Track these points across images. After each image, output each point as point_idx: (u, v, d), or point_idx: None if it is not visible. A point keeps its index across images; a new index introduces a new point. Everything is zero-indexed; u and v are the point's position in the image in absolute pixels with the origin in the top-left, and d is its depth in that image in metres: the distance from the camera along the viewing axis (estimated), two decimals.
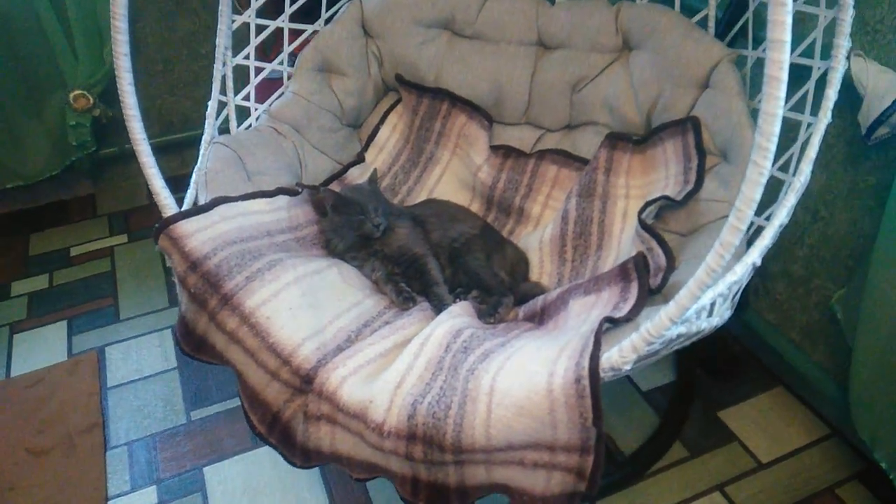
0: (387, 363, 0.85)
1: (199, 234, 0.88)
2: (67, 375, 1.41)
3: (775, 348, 1.33)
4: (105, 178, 1.97)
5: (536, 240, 1.16)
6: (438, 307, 0.98)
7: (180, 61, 1.86)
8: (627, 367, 0.70)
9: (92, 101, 1.68)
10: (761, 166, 0.58)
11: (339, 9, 1.29)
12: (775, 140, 0.57)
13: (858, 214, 1.11)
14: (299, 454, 0.86)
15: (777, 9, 0.53)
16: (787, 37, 0.54)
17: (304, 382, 0.84)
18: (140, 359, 1.45)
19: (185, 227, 0.88)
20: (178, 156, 1.95)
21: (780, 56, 0.55)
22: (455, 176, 1.29)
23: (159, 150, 1.94)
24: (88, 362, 1.44)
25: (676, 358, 1.39)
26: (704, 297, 0.73)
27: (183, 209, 0.91)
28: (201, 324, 0.90)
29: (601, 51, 1.20)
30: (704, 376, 1.36)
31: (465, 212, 1.21)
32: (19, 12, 1.54)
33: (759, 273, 1.31)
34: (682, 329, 0.72)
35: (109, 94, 1.70)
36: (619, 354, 0.69)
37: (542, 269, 1.14)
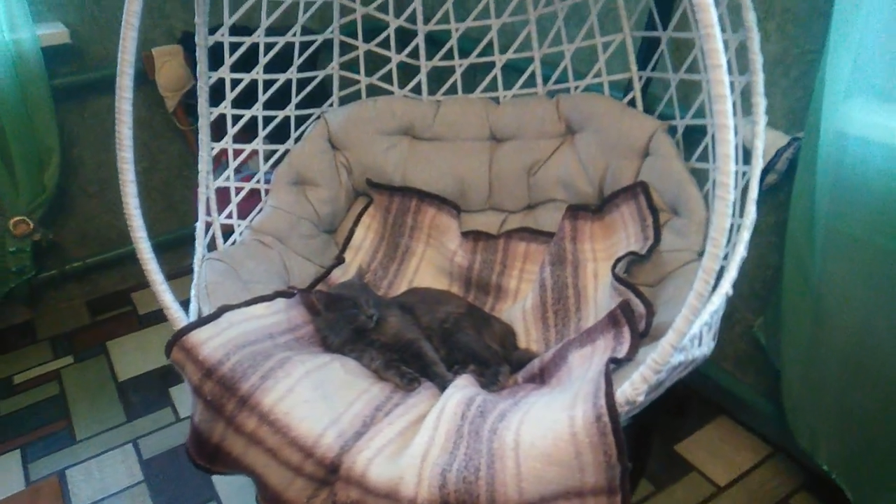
0: (408, 440, 0.87)
1: (210, 342, 0.91)
2: None
3: (714, 380, 1.46)
4: (42, 302, 1.93)
5: (519, 311, 1.23)
6: (441, 385, 1.02)
7: (116, 181, 1.89)
8: (641, 398, 0.76)
9: (32, 226, 1.68)
10: (725, 199, 0.68)
11: (306, 128, 1.41)
12: (733, 175, 0.67)
13: (763, 250, 1.27)
14: None
15: (717, 84, 0.65)
16: (727, 92, 0.66)
17: (330, 472, 0.85)
18: (104, 477, 1.41)
19: (196, 337, 0.91)
20: (119, 272, 1.95)
21: (723, 107, 0.66)
22: (432, 264, 1.37)
23: (97, 268, 1.91)
24: (49, 488, 1.38)
25: None
26: (696, 323, 0.81)
27: (191, 321, 0.94)
28: (218, 431, 0.90)
29: (548, 137, 1.35)
30: (658, 415, 1.46)
31: (448, 294, 1.28)
32: None
33: None
34: (681, 357, 0.79)
35: (49, 218, 1.73)
36: (632, 387, 0.75)
37: (528, 336, 1.20)
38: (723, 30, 1.03)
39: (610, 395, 0.76)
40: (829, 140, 0.99)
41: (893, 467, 1.06)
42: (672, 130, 1.22)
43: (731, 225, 1.01)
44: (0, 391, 1.67)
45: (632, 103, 1.30)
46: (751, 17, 0.93)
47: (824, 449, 1.18)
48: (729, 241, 0.97)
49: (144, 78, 1.64)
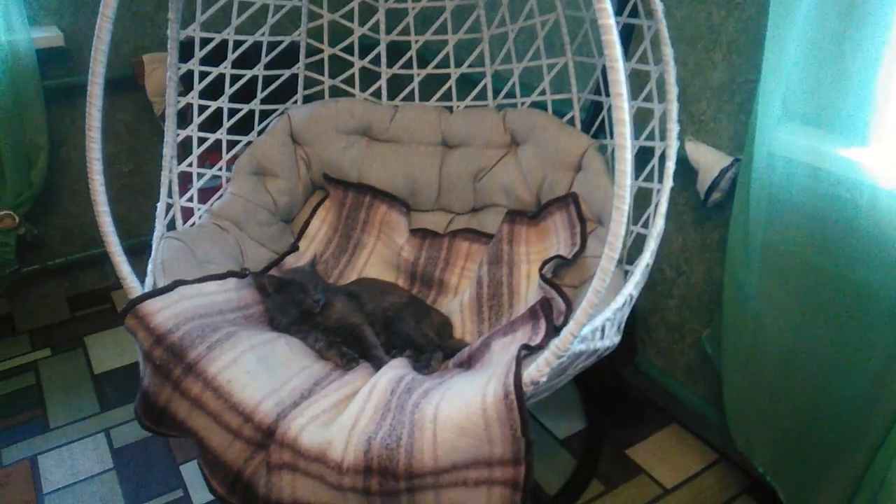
0: (340, 411, 0.96)
1: (163, 312, 0.99)
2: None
3: (666, 388, 1.54)
4: (21, 297, 1.97)
5: (457, 304, 1.34)
6: (378, 366, 1.11)
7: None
8: (544, 379, 0.86)
9: (17, 220, 1.72)
10: (621, 208, 0.79)
11: (270, 122, 1.49)
12: (628, 188, 0.78)
13: (710, 265, 1.37)
14: None
15: (618, 110, 0.76)
16: (629, 121, 0.77)
17: (266, 436, 0.93)
18: (75, 464, 1.45)
19: (150, 306, 0.98)
20: (100, 270, 2.00)
21: (623, 130, 0.78)
22: (381, 258, 1.47)
23: (79, 265, 1.93)
24: (21, 472, 1.42)
25: (585, 407, 1.58)
26: (597, 318, 0.92)
27: (145, 291, 1.01)
28: (164, 394, 0.98)
29: (494, 147, 1.46)
30: (610, 421, 1.55)
31: (393, 286, 1.37)
32: None
33: (644, 325, 1.54)
34: (582, 346, 0.90)
35: (35, 214, 1.77)
36: (537, 369, 0.86)
37: (464, 328, 1.31)
38: (646, 62, 1.15)
39: (517, 376, 0.86)
40: (761, 161, 1.06)
41: (818, 469, 1.12)
42: (603, 149, 1.34)
43: (646, 235, 1.13)
44: None
45: (571, 122, 1.42)
46: (668, 52, 1.05)
47: (760, 453, 1.24)
48: (641, 249, 1.09)
49: (133, 83, 1.69)
